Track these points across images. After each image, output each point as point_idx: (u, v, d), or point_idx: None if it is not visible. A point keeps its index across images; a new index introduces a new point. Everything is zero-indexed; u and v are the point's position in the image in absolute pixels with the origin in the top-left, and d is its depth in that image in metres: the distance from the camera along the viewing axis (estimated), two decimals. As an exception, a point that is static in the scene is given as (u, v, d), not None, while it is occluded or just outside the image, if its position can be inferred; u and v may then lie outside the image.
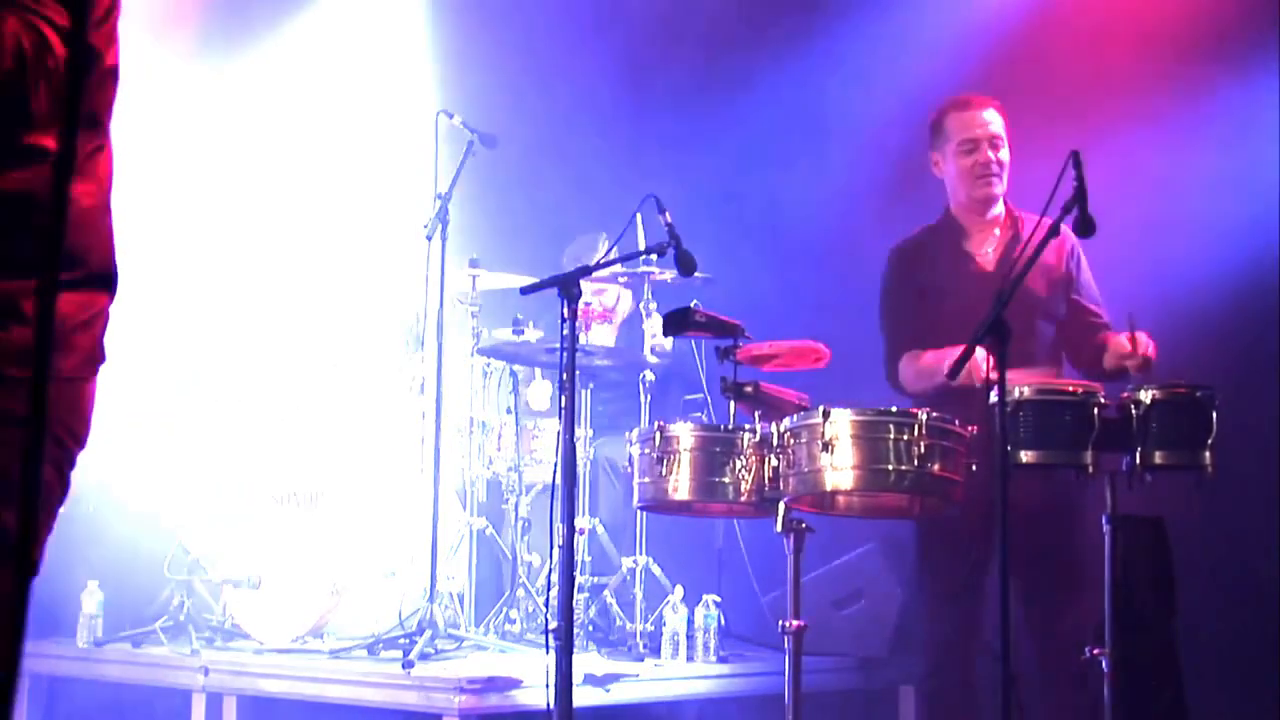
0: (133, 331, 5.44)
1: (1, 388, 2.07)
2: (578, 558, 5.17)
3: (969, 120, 4.54)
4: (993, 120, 4.53)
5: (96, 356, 2.27)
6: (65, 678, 5.39)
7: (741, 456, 3.86)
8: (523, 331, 5.49)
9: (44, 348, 1.32)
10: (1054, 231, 3.81)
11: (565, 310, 3.91)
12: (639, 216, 4.82)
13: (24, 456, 1.43)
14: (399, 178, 6.78)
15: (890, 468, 3.68)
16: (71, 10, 2.07)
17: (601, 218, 6.05)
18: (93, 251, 2.24)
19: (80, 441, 2.25)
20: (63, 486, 2.23)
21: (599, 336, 6.12)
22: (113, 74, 2.25)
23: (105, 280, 2.27)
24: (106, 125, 2.27)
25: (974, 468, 3.77)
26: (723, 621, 5.17)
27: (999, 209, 4.59)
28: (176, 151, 6.41)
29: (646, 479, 3.99)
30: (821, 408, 3.72)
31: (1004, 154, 4.53)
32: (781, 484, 3.81)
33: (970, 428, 3.76)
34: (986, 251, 4.55)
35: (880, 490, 3.83)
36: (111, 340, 2.32)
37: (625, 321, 6.22)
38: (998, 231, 4.57)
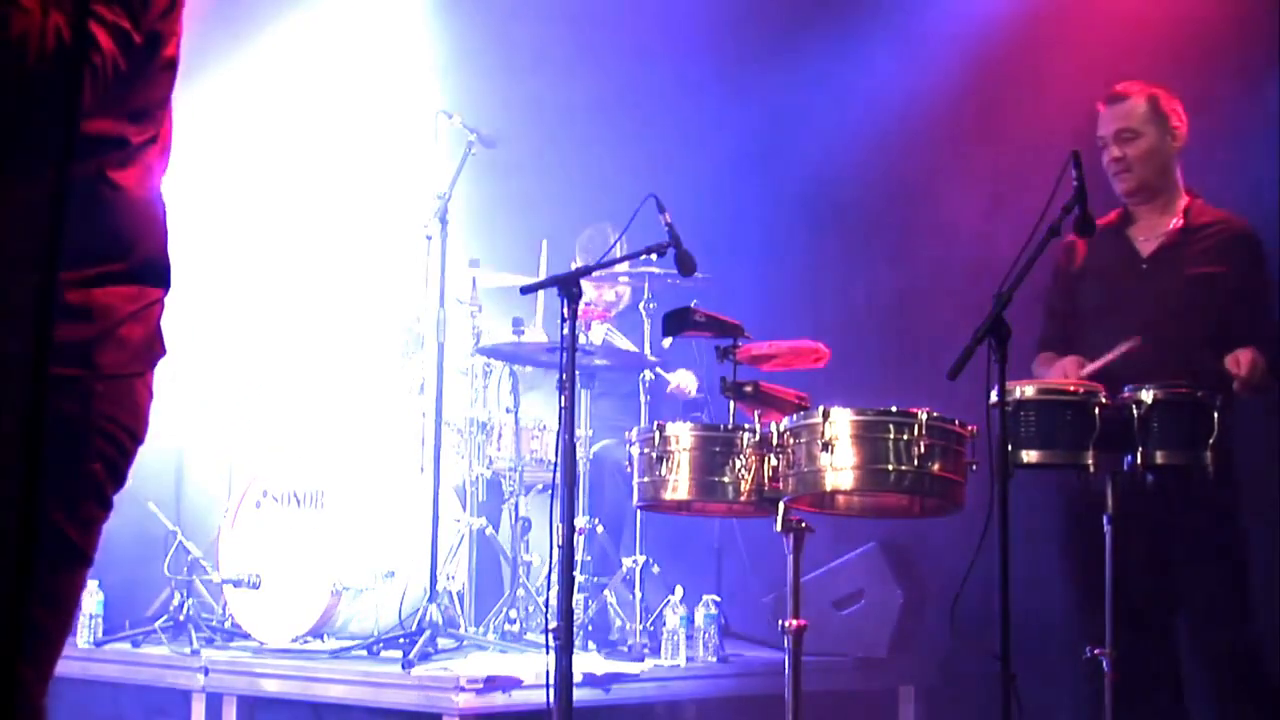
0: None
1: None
2: (578, 558, 5.17)
3: (1100, 119, 4.51)
4: (1117, 117, 4.46)
5: (154, 350, 2.23)
6: (65, 678, 5.37)
7: (741, 456, 3.85)
8: (523, 332, 5.49)
9: (43, 345, 1.32)
10: (1054, 231, 3.80)
11: (565, 310, 3.91)
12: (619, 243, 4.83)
13: (24, 454, 1.43)
14: (399, 178, 6.77)
15: (890, 468, 3.67)
16: (123, 4, 2.07)
17: (601, 218, 6.06)
18: (141, 242, 2.20)
19: (137, 438, 2.20)
20: (116, 482, 2.20)
21: (599, 335, 6.13)
22: (171, 65, 2.22)
23: (157, 272, 2.22)
24: (160, 116, 2.24)
25: (975, 467, 3.76)
26: (723, 621, 5.17)
27: (1177, 195, 4.49)
28: (176, 153, 6.41)
29: (646, 478, 3.99)
30: (821, 407, 3.72)
31: (1136, 145, 4.43)
32: (781, 484, 3.81)
33: (970, 427, 3.76)
34: (1148, 238, 4.46)
35: (880, 490, 3.82)
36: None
37: (620, 315, 6.22)
38: (1175, 221, 4.46)
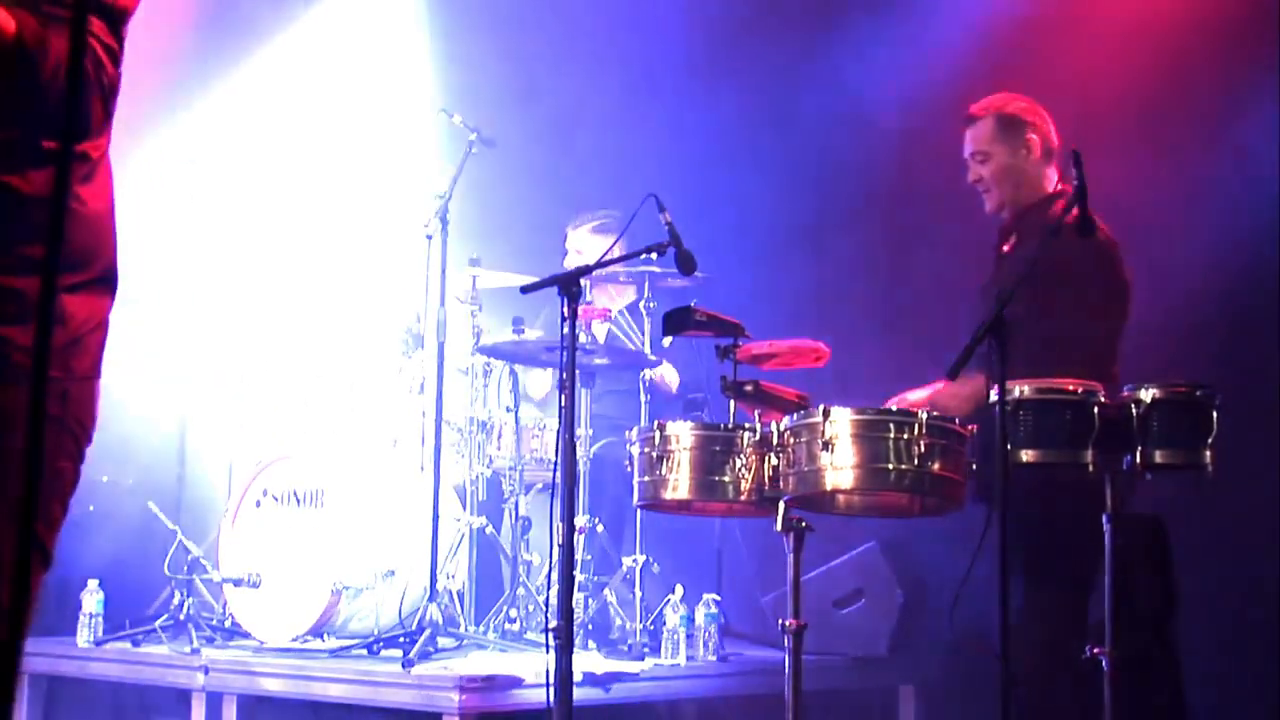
0: (135, 332, 5.45)
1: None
2: (578, 557, 5.17)
3: (964, 140, 4.50)
4: (970, 140, 4.46)
5: (103, 356, 2.32)
6: (65, 677, 5.38)
7: (741, 455, 3.86)
8: (523, 331, 5.49)
9: (42, 345, 1.32)
10: (1054, 231, 3.80)
11: (565, 309, 3.91)
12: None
13: (25, 456, 1.43)
14: (399, 178, 6.77)
15: (890, 467, 3.67)
16: (107, 22, 2.16)
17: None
18: (101, 255, 2.29)
19: (90, 437, 2.30)
20: (75, 483, 2.29)
21: (602, 333, 6.13)
22: (118, 84, 2.30)
23: (111, 282, 2.32)
24: (108, 133, 2.32)
25: (975, 466, 3.76)
26: (723, 621, 5.17)
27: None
28: (177, 155, 6.41)
29: (646, 478, 3.99)
30: (822, 406, 3.72)
31: (988, 166, 4.41)
32: (781, 483, 3.81)
33: (970, 427, 3.76)
34: (1005, 248, 4.43)
35: (880, 489, 3.82)
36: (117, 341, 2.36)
37: (620, 314, 6.22)
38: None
